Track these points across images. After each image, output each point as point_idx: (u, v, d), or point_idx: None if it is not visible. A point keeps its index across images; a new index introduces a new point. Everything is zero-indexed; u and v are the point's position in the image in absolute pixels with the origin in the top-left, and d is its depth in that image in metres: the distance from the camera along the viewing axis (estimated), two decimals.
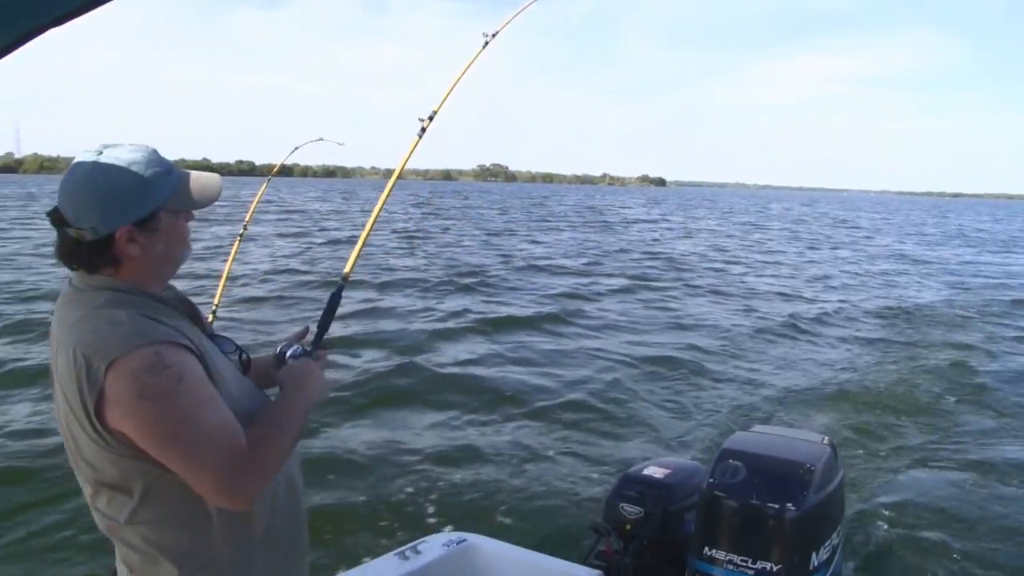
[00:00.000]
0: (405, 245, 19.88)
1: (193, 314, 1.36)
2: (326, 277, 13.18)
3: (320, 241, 20.68)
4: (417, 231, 24.82)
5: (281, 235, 21.92)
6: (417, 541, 2.50)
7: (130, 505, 1.21)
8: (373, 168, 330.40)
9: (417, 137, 1.93)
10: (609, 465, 4.98)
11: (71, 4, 0.69)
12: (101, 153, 1.24)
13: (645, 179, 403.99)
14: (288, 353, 1.52)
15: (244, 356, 1.47)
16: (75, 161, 1.25)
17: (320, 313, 1.65)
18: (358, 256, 1.77)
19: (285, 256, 16.24)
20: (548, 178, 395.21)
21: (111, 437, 1.15)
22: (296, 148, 3.29)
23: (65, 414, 1.20)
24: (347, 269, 1.77)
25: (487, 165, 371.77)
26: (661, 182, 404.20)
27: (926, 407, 6.46)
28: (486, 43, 2.06)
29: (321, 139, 3.26)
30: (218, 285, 2.99)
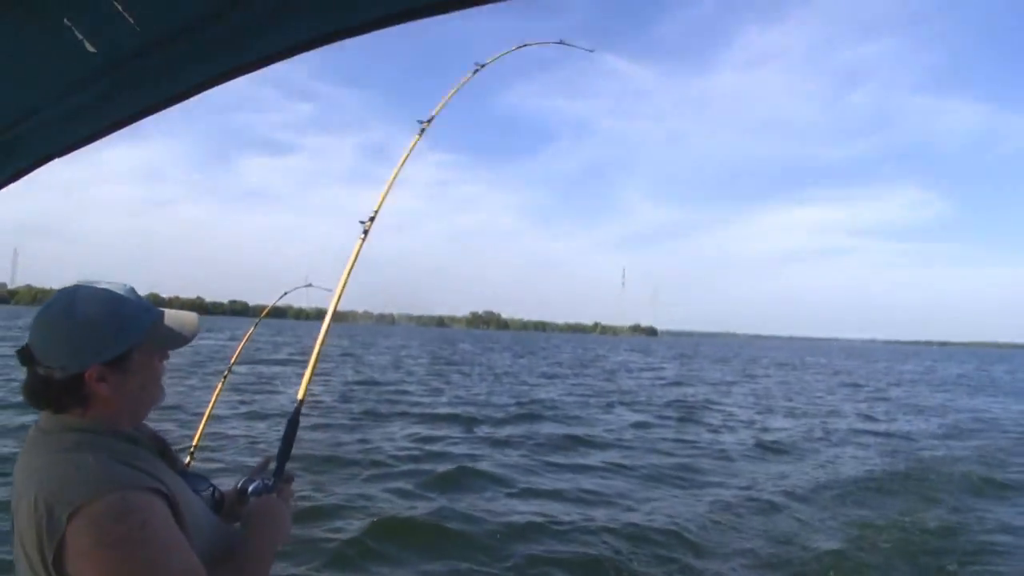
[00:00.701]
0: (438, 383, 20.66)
1: (165, 452, 1.33)
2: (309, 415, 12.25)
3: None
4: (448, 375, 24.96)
5: (268, 377, 20.40)
6: None
7: None
8: (366, 312, 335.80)
9: (360, 239, 1.90)
10: None
11: (78, 135, 0.80)
12: (77, 290, 1.22)
13: (637, 328, 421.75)
14: (250, 489, 1.49)
15: (217, 493, 1.45)
16: (50, 299, 1.22)
17: (279, 442, 1.60)
18: (311, 379, 1.72)
19: (271, 394, 15.68)
20: (540, 326, 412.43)
21: None
22: (285, 293, 3.25)
23: (22, 565, 1.13)
24: (300, 394, 1.73)
25: (480, 312, 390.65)
26: (652, 331, 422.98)
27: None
28: (422, 130, 2.08)
29: (310, 285, 3.18)
30: (199, 424, 2.84)
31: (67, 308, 1.20)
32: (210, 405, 2.75)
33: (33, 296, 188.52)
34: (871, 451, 11.91)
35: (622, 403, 17.84)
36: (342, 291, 1.89)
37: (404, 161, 2.02)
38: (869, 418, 16.74)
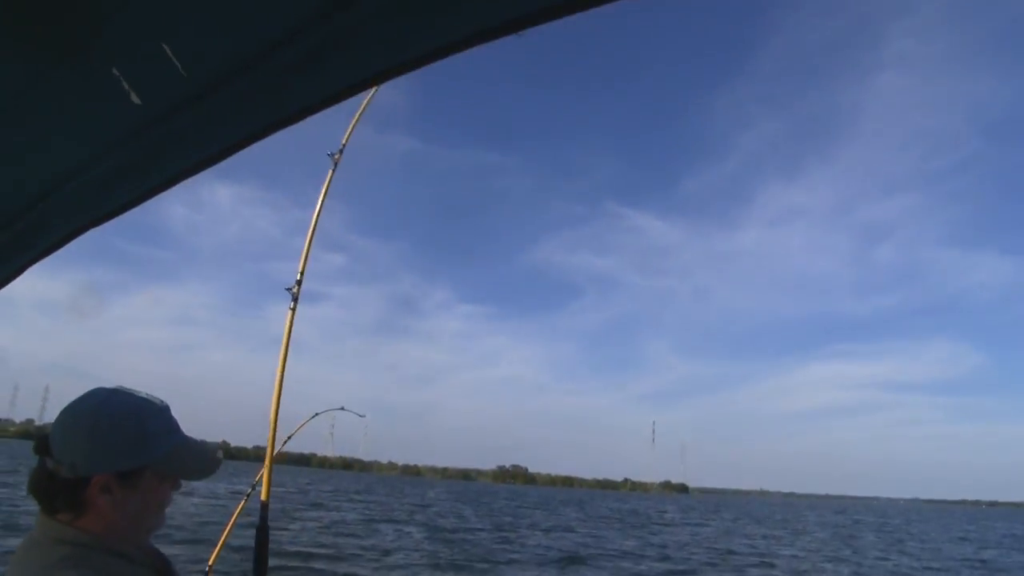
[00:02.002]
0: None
1: (166, 570, 1.28)
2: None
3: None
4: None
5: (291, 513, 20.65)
6: None
7: None
8: (391, 463, 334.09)
9: (290, 308, 1.89)
10: None
11: (116, 201, 0.77)
12: (113, 392, 1.19)
13: (667, 485, 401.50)
14: None
15: None
16: (82, 396, 1.19)
17: None
18: (267, 487, 1.66)
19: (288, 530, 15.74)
20: (568, 481, 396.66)
21: None
22: (317, 414, 3.27)
23: None
24: (263, 494, 1.72)
25: (506, 466, 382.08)
26: (684, 488, 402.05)
27: None
28: (336, 163, 2.08)
29: (343, 408, 3.23)
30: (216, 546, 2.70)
31: (96, 408, 1.17)
32: (230, 523, 2.68)
33: None
34: None
35: None
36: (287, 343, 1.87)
37: (322, 200, 2.07)
38: None
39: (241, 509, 2.82)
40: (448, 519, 27.74)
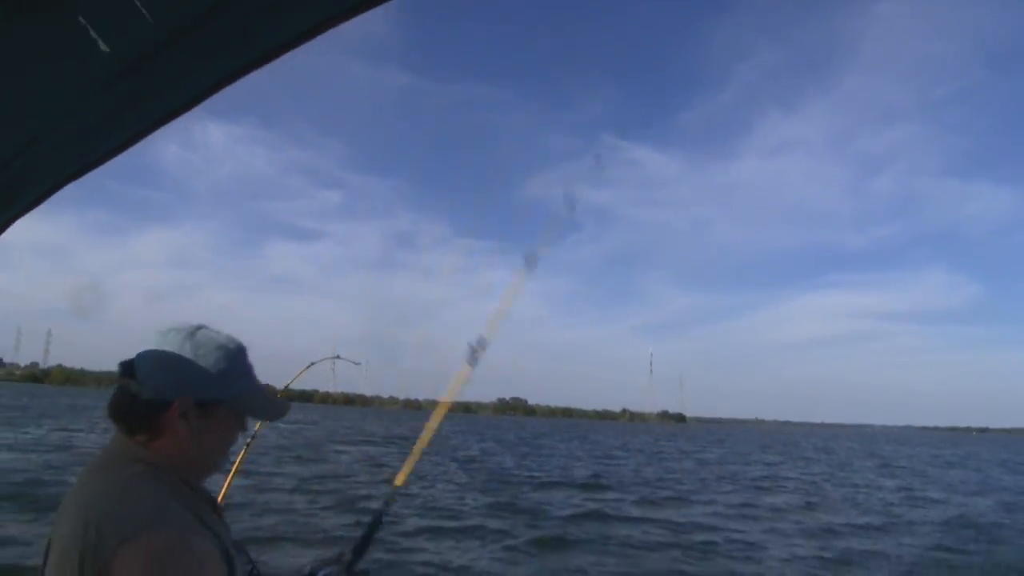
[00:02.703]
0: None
1: (220, 514, 1.30)
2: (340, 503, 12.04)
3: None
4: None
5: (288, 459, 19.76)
6: None
7: None
8: (392, 397, 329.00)
9: (468, 366, 1.83)
10: None
11: (96, 151, 0.76)
12: (199, 329, 1.25)
13: (665, 415, 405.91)
14: (321, 574, 1.46)
15: (255, 572, 1.39)
16: (169, 328, 1.24)
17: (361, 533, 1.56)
18: (406, 477, 1.65)
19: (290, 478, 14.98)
20: (567, 413, 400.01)
21: None
22: (312, 364, 3.21)
23: None
24: (399, 480, 1.69)
25: (506, 399, 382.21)
26: (681, 418, 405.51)
27: None
28: (529, 268, 2.01)
29: (338, 357, 3.17)
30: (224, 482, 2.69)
31: (186, 338, 1.22)
32: (235, 465, 2.70)
33: (66, 377, 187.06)
34: None
35: None
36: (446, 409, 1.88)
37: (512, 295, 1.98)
38: None
39: (242, 458, 2.82)
40: (472, 451, 28.87)
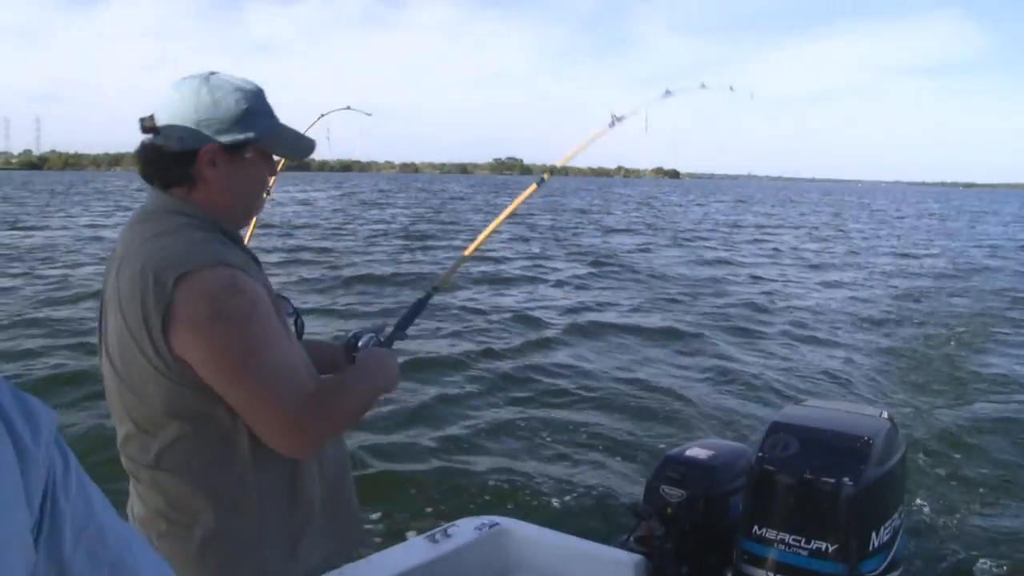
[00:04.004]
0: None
1: (258, 262, 1.31)
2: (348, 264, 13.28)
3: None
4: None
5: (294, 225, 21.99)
6: (447, 524, 2.35)
7: (164, 447, 1.14)
8: (388, 162, 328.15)
9: (535, 185, 1.97)
10: (649, 447, 4.77)
11: None
12: (213, 73, 1.22)
13: (660, 171, 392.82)
14: (362, 341, 1.52)
15: (299, 321, 1.42)
16: (183, 78, 1.22)
17: (404, 311, 1.65)
18: (457, 269, 1.84)
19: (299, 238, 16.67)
20: (564, 171, 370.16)
21: (172, 359, 1.08)
22: (323, 115, 3.17)
23: (118, 337, 1.13)
24: (442, 281, 1.82)
25: (502, 158, 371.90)
26: (675, 174, 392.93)
27: (983, 380, 6.39)
28: (612, 124, 2.00)
29: (348, 107, 3.11)
30: None
31: (200, 84, 1.19)
32: (246, 238, 2.53)
33: (64, 162, 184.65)
34: None
35: None
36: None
37: (592, 139, 2.05)
38: None
39: (253, 227, 2.69)
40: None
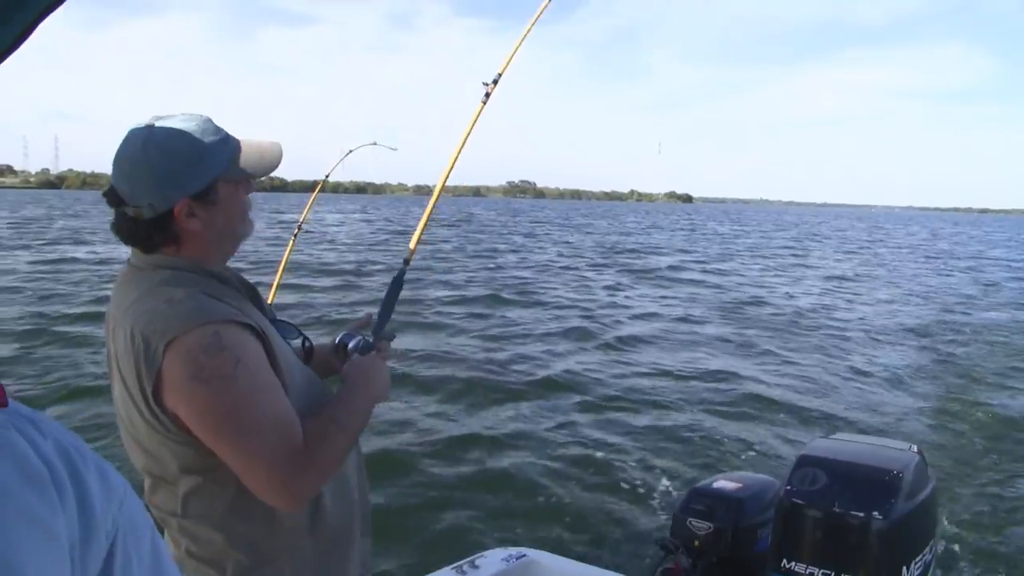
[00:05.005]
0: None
1: (254, 297, 1.32)
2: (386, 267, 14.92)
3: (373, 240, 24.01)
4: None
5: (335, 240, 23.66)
6: (475, 556, 2.35)
7: (185, 495, 1.17)
8: (401, 184, 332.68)
9: (481, 103, 1.81)
10: (676, 479, 4.78)
11: None
12: (153, 126, 1.17)
13: (672, 195, 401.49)
14: (351, 345, 1.47)
15: (307, 344, 1.42)
16: (127, 134, 1.17)
17: (383, 298, 1.59)
18: (420, 237, 1.75)
19: (341, 253, 17.58)
20: (576, 194, 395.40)
21: (169, 421, 1.10)
22: (351, 151, 3.13)
23: (122, 399, 1.16)
24: (412, 245, 1.74)
25: (516, 182, 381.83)
26: (688, 198, 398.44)
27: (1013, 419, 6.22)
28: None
29: (375, 143, 3.07)
30: (273, 282, 2.88)
31: (146, 144, 1.14)
32: (283, 260, 2.83)
33: (82, 181, 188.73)
34: None
35: None
36: (456, 157, 1.82)
37: (531, 27, 1.90)
38: None
39: (292, 245, 2.99)
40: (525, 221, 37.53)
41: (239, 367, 1.09)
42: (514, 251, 23.95)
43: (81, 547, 0.45)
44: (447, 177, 1.84)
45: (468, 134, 1.80)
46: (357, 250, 21.84)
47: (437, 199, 1.84)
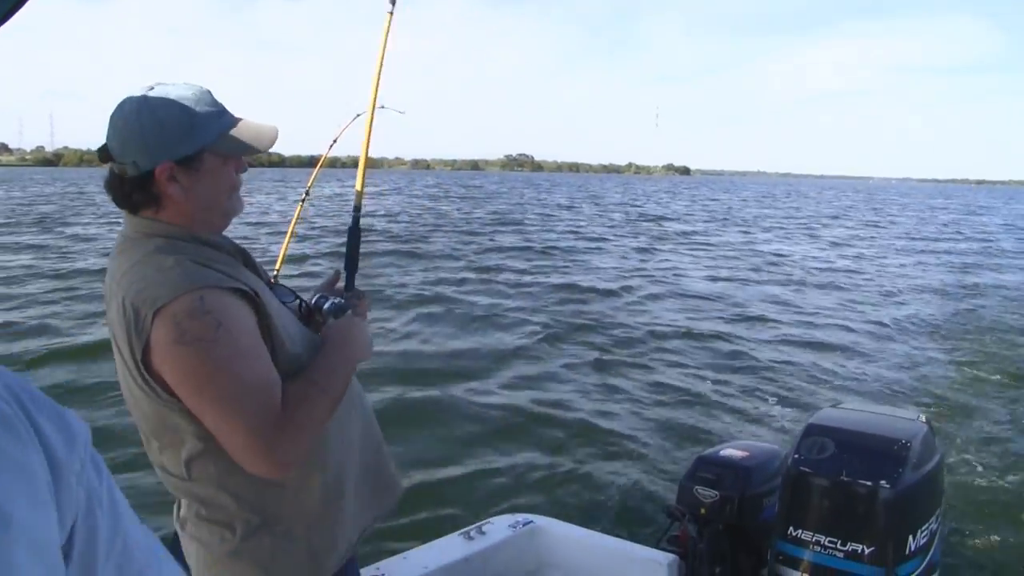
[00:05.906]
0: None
1: (250, 262, 1.32)
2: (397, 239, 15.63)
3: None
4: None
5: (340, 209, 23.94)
6: (482, 522, 2.38)
7: (188, 459, 1.18)
8: (399, 158, 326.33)
9: (388, 15, 1.80)
10: (683, 447, 4.77)
11: None
12: (152, 88, 1.21)
13: (670, 168, 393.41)
14: (326, 307, 1.45)
15: (303, 305, 1.44)
16: (124, 98, 1.21)
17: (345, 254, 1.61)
18: (363, 179, 1.74)
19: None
20: (574, 168, 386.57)
21: (159, 388, 1.12)
22: (358, 115, 3.02)
23: (120, 368, 1.18)
24: (358, 187, 1.72)
25: (513, 155, 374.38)
26: (686, 171, 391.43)
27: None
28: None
29: (383, 107, 2.86)
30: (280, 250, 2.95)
31: (141, 105, 1.19)
32: (290, 228, 2.86)
33: (80, 158, 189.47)
34: None
35: None
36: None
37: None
38: None
39: (299, 212, 2.97)
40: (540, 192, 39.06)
41: (220, 330, 1.10)
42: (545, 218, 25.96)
43: (56, 490, 0.44)
44: (374, 104, 1.84)
45: (383, 55, 1.80)
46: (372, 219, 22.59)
47: (371, 130, 1.82)
